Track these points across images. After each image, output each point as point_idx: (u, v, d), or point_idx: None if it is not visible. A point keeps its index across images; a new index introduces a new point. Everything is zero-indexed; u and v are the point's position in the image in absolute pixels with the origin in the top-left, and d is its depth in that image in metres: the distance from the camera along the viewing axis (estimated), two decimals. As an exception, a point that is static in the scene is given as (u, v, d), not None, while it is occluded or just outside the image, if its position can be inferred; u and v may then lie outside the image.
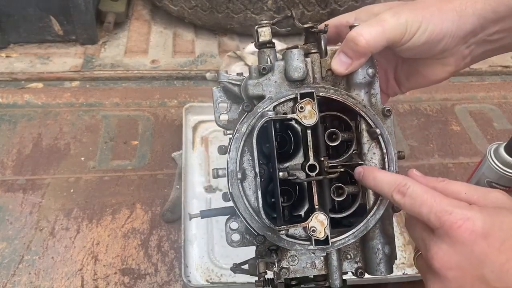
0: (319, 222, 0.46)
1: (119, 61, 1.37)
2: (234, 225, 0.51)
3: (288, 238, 0.48)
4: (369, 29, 0.46)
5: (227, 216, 0.52)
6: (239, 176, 0.48)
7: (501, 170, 0.83)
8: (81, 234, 0.90)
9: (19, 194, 0.96)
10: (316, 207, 0.47)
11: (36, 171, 1.02)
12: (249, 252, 0.82)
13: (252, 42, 0.55)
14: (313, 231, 0.46)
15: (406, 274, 0.87)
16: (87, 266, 0.85)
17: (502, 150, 0.84)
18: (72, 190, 0.98)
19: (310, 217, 0.46)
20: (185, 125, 1.10)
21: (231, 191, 0.48)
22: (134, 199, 0.98)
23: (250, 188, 0.48)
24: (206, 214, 0.55)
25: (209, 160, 1.06)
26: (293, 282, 0.51)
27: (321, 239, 0.46)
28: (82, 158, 1.06)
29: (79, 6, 1.30)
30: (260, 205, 0.46)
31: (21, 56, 1.34)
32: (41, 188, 0.98)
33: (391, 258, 0.50)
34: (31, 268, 0.84)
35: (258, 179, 0.46)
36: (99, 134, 1.12)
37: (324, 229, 0.46)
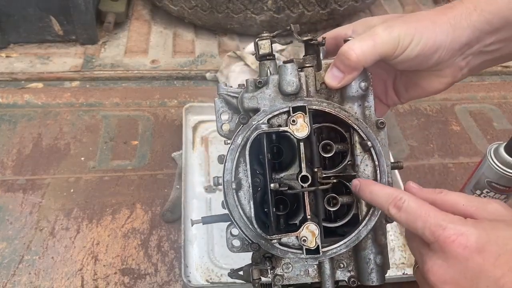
0: (310, 232, 0.47)
1: (119, 61, 1.37)
2: (234, 231, 0.52)
3: (281, 247, 0.49)
4: (361, 44, 0.46)
5: (228, 223, 0.51)
6: (234, 186, 0.49)
7: (501, 170, 0.83)
8: (81, 234, 0.90)
9: (19, 194, 0.96)
10: (308, 217, 0.48)
11: (36, 171, 1.02)
12: (248, 254, 0.83)
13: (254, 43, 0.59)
14: (304, 240, 0.47)
15: (406, 274, 0.87)
16: (87, 266, 0.85)
17: (502, 150, 0.84)
18: (72, 190, 0.98)
19: (302, 227, 0.47)
20: (185, 125, 1.10)
21: (226, 200, 0.50)
22: (134, 199, 0.98)
23: (245, 198, 0.49)
24: (207, 220, 0.57)
25: (209, 160, 1.06)
26: None
27: (312, 248, 0.47)
28: (82, 158, 1.06)
29: (79, 6, 1.30)
30: (253, 215, 0.47)
31: (21, 56, 1.34)
32: (41, 188, 0.98)
33: (383, 267, 0.51)
34: (31, 268, 0.84)
35: (251, 189, 0.48)
36: (99, 134, 1.12)
37: (315, 239, 0.47)
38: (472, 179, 0.91)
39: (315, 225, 0.48)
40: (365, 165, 0.50)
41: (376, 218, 0.49)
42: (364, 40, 0.47)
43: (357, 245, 0.50)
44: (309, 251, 0.48)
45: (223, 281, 0.84)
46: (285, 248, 0.49)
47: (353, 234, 0.49)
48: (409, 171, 1.10)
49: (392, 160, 0.55)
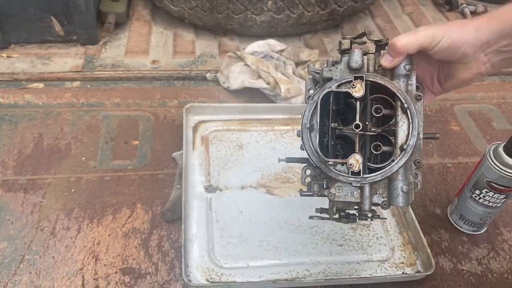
0: (355, 160, 0.64)
1: (120, 62, 1.37)
2: (308, 172, 0.70)
3: (335, 171, 0.66)
4: (405, 36, 0.64)
5: (304, 165, 0.71)
6: (308, 126, 0.67)
7: (501, 170, 0.84)
8: (81, 234, 0.90)
9: (20, 194, 0.97)
10: (356, 151, 0.65)
11: (37, 171, 1.02)
12: (248, 253, 0.84)
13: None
14: (350, 165, 0.64)
15: (406, 273, 0.87)
16: (87, 265, 0.86)
17: (501, 150, 0.84)
18: (73, 190, 0.99)
19: (350, 157, 0.64)
20: (185, 125, 1.11)
21: (302, 137, 0.68)
22: (135, 198, 0.98)
23: (315, 136, 0.66)
24: (290, 160, 0.76)
25: (209, 159, 1.07)
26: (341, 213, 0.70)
27: (355, 171, 0.64)
28: (83, 158, 1.06)
29: (80, 6, 1.30)
30: (317, 143, 0.65)
31: (22, 56, 1.35)
32: (42, 188, 0.98)
33: (408, 194, 0.65)
34: (32, 267, 0.84)
35: (318, 126, 0.66)
36: (100, 134, 1.12)
37: (359, 165, 0.64)
38: (472, 179, 0.91)
39: (360, 156, 0.64)
40: (402, 123, 0.66)
41: (406, 158, 0.65)
42: (408, 35, 0.64)
43: (390, 177, 0.65)
44: (353, 173, 0.64)
45: (223, 280, 0.84)
46: (338, 172, 0.66)
47: (388, 168, 0.65)
48: (408, 171, 1.10)
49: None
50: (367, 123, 0.66)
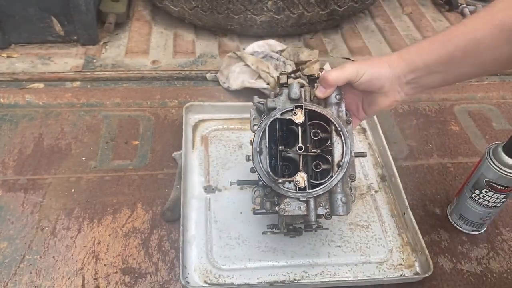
0: (301, 177, 0.75)
1: (120, 62, 1.37)
2: (257, 192, 0.81)
3: (284, 188, 0.75)
4: (335, 71, 0.77)
5: (254, 186, 0.82)
6: (258, 150, 0.76)
7: (500, 170, 0.84)
8: (82, 234, 0.91)
9: (21, 194, 0.97)
10: (301, 170, 0.76)
11: (37, 171, 1.02)
12: (246, 255, 0.84)
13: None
14: (297, 182, 0.74)
15: (404, 276, 0.87)
16: (88, 265, 0.86)
17: (500, 150, 0.85)
18: (73, 190, 0.99)
19: (296, 175, 0.75)
20: (185, 124, 1.10)
21: (253, 160, 0.77)
22: (135, 198, 0.98)
23: (265, 159, 0.76)
24: (241, 182, 0.87)
25: (209, 159, 1.07)
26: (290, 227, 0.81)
27: (302, 187, 0.74)
28: (83, 158, 1.06)
29: (80, 6, 1.30)
30: (267, 165, 0.75)
31: (22, 56, 1.35)
32: (42, 188, 0.98)
33: (347, 205, 0.75)
34: (32, 267, 0.85)
35: (267, 150, 0.76)
36: (100, 134, 1.12)
37: (304, 181, 0.74)
38: (471, 179, 0.91)
39: (304, 173, 0.75)
40: (337, 143, 0.77)
41: (343, 173, 0.75)
42: (337, 70, 0.77)
43: (330, 191, 0.76)
44: (299, 189, 0.75)
45: (220, 282, 0.84)
46: (286, 189, 0.75)
47: (328, 183, 0.75)
48: (408, 171, 1.10)
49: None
50: (308, 145, 0.78)
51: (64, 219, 0.93)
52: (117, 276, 0.85)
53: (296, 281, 0.85)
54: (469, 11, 1.73)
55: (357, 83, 0.76)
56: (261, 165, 0.76)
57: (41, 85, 1.25)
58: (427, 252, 0.87)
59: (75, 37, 1.39)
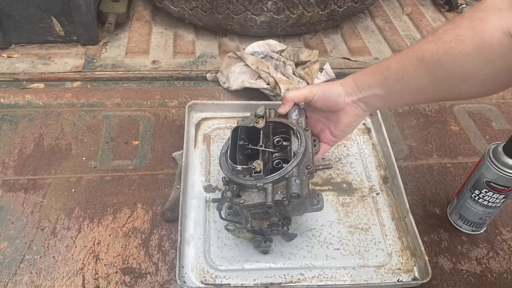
0: (257, 164, 0.79)
1: (120, 62, 1.37)
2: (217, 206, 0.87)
3: (243, 178, 0.80)
4: (293, 91, 0.89)
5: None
6: (223, 152, 0.86)
7: (500, 170, 0.84)
8: (82, 234, 0.91)
9: (21, 194, 0.97)
10: (259, 159, 0.82)
11: (38, 171, 1.02)
12: (243, 256, 0.84)
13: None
14: (253, 167, 0.79)
15: (401, 281, 0.87)
16: (88, 265, 0.86)
17: (500, 150, 0.85)
18: (73, 190, 0.99)
19: (254, 162, 0.80)
20: (187, 122, 1.10)
21: (220, 162, 0.86)
22: (135, 198, 0.98)
23: (227, 158, 0.83)
24: (216, 200, 0.91)
25: (211, 158, 1.06)
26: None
27: (257, 171, 0.79)
28: (84, 158, 1.06)
29: (80, 7, 1.30)
30: (228, 156, 0.83)
31: (22, 56, 1.35)
32: (42, 188, 0.98)
33: (301, 185, 0.77)
34: (33, 267, 0.85)
35: (229, 151, 0.84)
36: (100, 134, 1.12)
37: (260, 167, 0.79)
38: (471, 179, 0.91)
39: (261, 161, 0.81)
40: (294, 142, 0.85)
41: (298, 161, 0.80)
42: (294, 90, 0.89)
43: (287, 178, 0.79)
44: (256, 174, 0.79)
45: (217, 282, 0.84)
46: (245, 178, 0.80)
47: (284, 169, 0.80)
48: (408, 171, 1.10)
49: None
50: (268, 146, 0.87)
51: (64, 219, 0.93)
52: (117, 276, 0.85)
53: (292, 283, 0.85)
54: (469, 11, 1.73)
55: (313, 100, 0.86)
56: (225, 163, 0.84)
57: (41, 85, 1.26)
58: (426, 257, 0.86)
59: (75, 37, 1.39)
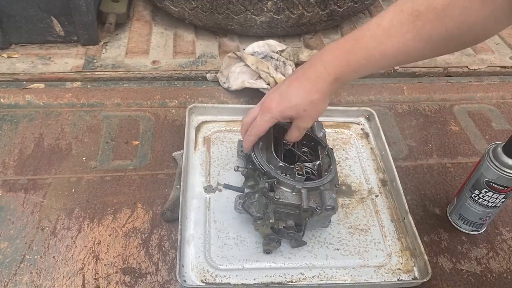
0: (299, 167, 0.82)
1: (120, 62, 1.38)
2: (241, 197, 0.88)
3: (281, 175, 0.82)
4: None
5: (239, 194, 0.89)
6: (260, 144, 0.88)
7: (500, 170, 0.84)
8: (82, 234, 0.91)
9: (21, 194, 0.97)
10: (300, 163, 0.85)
11: (38, 171, 1.02)
12: (243, 255, 0.84)
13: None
14: (297, 169, 0.81)
15: (401, 280, 0.87)
16: (88, 265, 0.86)
17: (500, 150, 0.85)
18: (73, 190, 0.99)
19: (295, 164, 0.83)
20: (188, 125, 1.10)
21: (254, 150, 0.87)
22: (135, 198, 0.98)
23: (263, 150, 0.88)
24: (227, 187, 0.91)
25: (211, 160, 1.07)
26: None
27: (301, 175, 0.80)
28: (84, 158, 1.06)
29: (80, 7, 1.30)
30: (272, 149, 0.85)
31: (22, 56, 1.35)
32: (42, 188, 0.98)
33: (335, 200, 0.81)
34: (33, 267, 0.85)
35: (265, 144, 0.88)
36: (100, 134, 1.12)
37: (303, 171, 0.81)
38: (471, 179, 0.92)
39: (302, 165, 0.83)
40: (324, 158, 0.90)
41: (332, 176, 0.84)
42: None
43: (321, 188, 0.82)
44: (299, 176, 0.80)
45: (217, 282, 0.84)
46: (284, 176, 0.82)
47: (319, 180, 0.83)
48: (408, 171, 1.10)
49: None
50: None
51: (65, 219, 0.93)
52: (117, 276, 0.85)
53: (292, 283, 0.85)
54: (469, 12, 1.73)
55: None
56: (260, 153, 0.84)
57: (41, 85, 1.26)
58: (426, 257, 0.86)
59: (76, 37, 1.39)
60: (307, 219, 0.82)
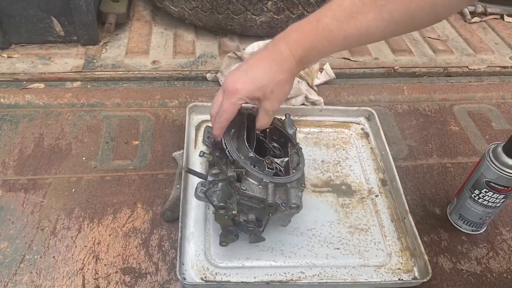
0: (270, 160, 0.81)
1: (120, 62, 1.38)
2: (203, 184, 0.82)
3: (250, 166, 0.79)
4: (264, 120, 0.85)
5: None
6: (231, 132, 0.85)
7: (500, 170, 0.84)
8: (82, 234, 0.91)
9: (21, 194, 0.97)
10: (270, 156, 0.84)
11: (38, 171, 1.02)
12: (243, 253, 0.84)
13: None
14: (267, 162, 0.80)
15: (402, 280, 0.87)
16: (88, 265, 0.86)
17: (500, 150, 0.85)
18: (73, 190, 0.99)
19: (265, 158, 0.81)
20: (188, 124, 1.10)
21: (225, 139, 0.83)
22: (135, 198, 0.98)
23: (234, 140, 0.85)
24: (190, 171, 0.85)
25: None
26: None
27: (271, 168, 0.79)
28: (84, 158, 1.06)
29: (80, 7, 1.30)
30: (245, 139, 0.83)
31: (22, 56, 1.35)
32: (42, 188, 0.98)
33: (301, 198, 0.80)
34: (33, 267, 0.85)
35: (236, 133, 0.86)
36: (100, 134, 1.12)
37: (273, 164, 0.80)
38: (471, 179, 0.92)
39: (273, 159, 0.82)
40: (293, 156, 0.88)
41: (300, 174, 0.83)
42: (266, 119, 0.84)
43: (288, 185, 0.81)
44: (269, 169, 0.79)
45: (217, 279, 0.84)
46: (253, 168, 0.80)
47: (287, 177, 0.81)
48: (408, 171, 1.10)
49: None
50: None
51: (65, 219, 0.93)
52: (117, 276, 0.85)
53: (293, 281, 0.85)
54: (469, 11, 1.73)
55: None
56: (231, 142, 0.82)
57: (41, 85, 1.26)
58: (426, 257, 0.86)
59: (76, 37, 1.39)
60: (270, 214, 0.79)
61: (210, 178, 0.81)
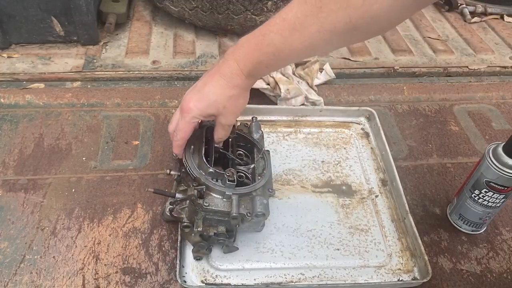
0: (231, 172, 0.79)
1: (120, 62, 1.38)
2: (172, 203, 0.83)
3: (211, 181, 0.80)
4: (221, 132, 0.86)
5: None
6: (190, 149, 0.84)
7: (500, 170, 0.84)
8: (82, 234, 0.91)
9: (21, 194, 0.97)
10: (231, 168, 0.82)
11: (38, 171, 1.02)
12: (243, 256, 0.84)
13: None
14: (228, 175, 0.78)
15: (402, 280, 0.87)
16: (88, 265, 0.86)
17: (500, 150, 0.85)
18: (73, 190, 0.99)
19: (226, 170, 0.80)
20: None
21: (185, 155, 0.84)
22: (135, 198, 0.98)
23: (194, 156, 0.84)
24: (157, 191, 0.85)
25: (210, 160, 1.06)
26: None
27: (232, 180, 0.79)
28: (84, 158, 1.06)
29: (80, 7, 1.30)
30: (202, 155, 0.83)
31: (22, 56, 1.35)
32: (42, 188, 0.98)
33: (267, 206, 0.80)
34: (33, 267, 0.85)
35: (197, 147, 0.85)
36: (100, 134, 1.12)
37: (234, 176, 0.79)
38: (471, 179, 0.92)
39: (234, 170, 0.80)
40: (259, 162, 0.88)
41: (265, 181, 0.83)
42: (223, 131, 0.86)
43: (253, 194, 0.80)
44: (230, 182, 0.78)
45: (217, 282, 0.84)
46: (215, 182, 0.80)
47: (251, 186, 0.81)
48: (408, 171, 1.10)
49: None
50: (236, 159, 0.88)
51: (65, 219, 0.93)
52: (117, 276, 0.85)
53: (293, 283, 0.85)
54: (469, 11, 1.73)
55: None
56: (191, 159, 0.81)
57: (41, 85, 1.26)
58: (426, 257, 0.86)
59: (76, 37, 1.39)
60: (237, 225, 0.80)
61: (178, 196, 0.81)
